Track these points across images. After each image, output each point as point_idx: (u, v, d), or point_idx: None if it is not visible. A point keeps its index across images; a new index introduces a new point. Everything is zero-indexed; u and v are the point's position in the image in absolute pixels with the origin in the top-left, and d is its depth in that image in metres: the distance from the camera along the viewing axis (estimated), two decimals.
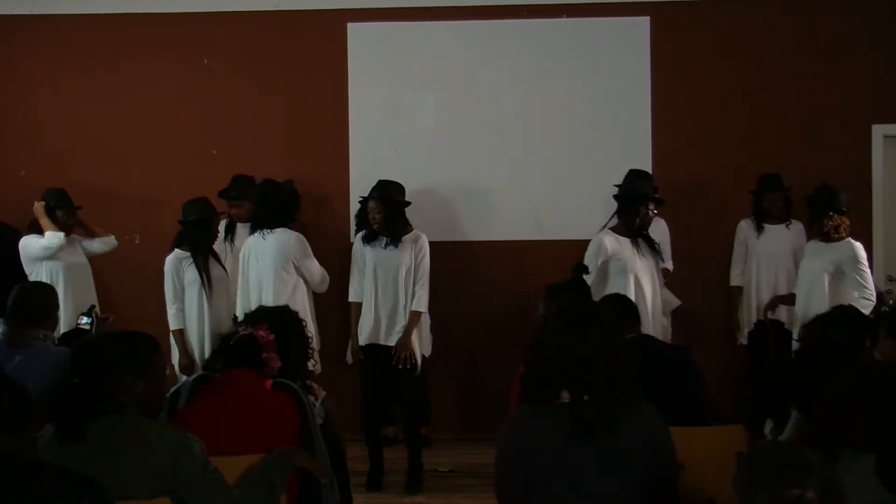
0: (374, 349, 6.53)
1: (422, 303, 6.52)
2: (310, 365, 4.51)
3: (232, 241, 7.24)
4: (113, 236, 7.38)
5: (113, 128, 8.06)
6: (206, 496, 3.29)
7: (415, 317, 6.49)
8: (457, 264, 7.73)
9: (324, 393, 4.54)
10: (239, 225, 7.33)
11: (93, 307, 5.86)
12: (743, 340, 7.37)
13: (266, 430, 3.78)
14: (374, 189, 6.60)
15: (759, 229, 7.25)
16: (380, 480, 6.55)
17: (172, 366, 6.45)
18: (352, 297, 6.68)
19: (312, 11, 8.01)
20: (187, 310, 6.46)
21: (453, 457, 7.11)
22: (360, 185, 7.82)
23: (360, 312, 6.58)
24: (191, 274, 6.43)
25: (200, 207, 6.55)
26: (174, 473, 3.24)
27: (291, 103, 8.04)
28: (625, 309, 4.87)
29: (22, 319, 4.78)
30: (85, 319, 5.46)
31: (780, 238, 7.20)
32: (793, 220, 7.27)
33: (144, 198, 8.04)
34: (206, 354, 6.24)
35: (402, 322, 6.49)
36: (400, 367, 6.42)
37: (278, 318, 4.27)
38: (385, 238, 6.50)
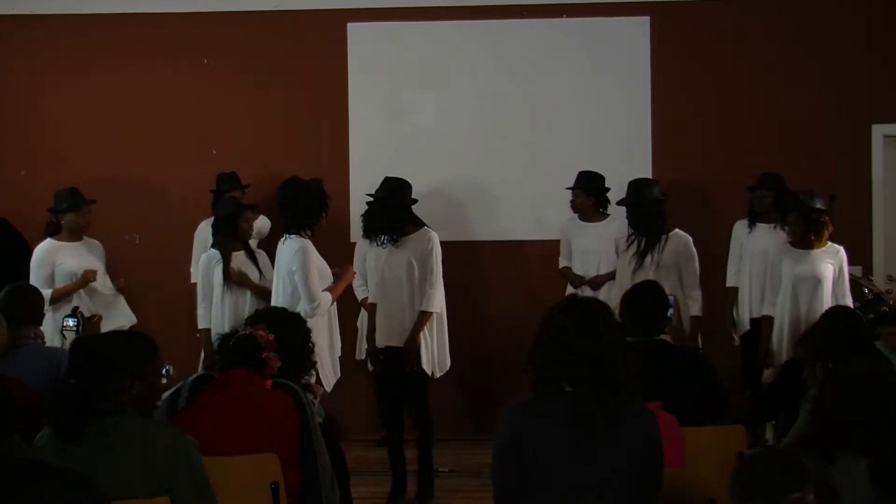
0: (390, 351, 6.33)
1: (431, 302, 6.25)
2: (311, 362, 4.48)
3: None
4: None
5: (113, 128, 8.06)
6: (200, 497, 3.30)
7: (423, 317, 6.24)
8: (456, 264, 7.70)
9: (321, 389, 4.53)
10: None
11: (76, 308, 5.85)
12: (735, 342, 7.34)
13: (266, 430, 3.78)
14: (379, 187, 6.43)
15: (751, 228, 7.22)
16: (404, 493, 6.40)
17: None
18: (360, 296, 6.53)
19: (312, 11, 8.02)
20: (213, 309, 6.38)
21: (453, 457, 7.11)
22: (360, 185, 7.83)
23: (374, 311, 6.37)
24: (217, 274, 6.36)
25: (223, 206, 6.56)
26: (172, 473, 3.24)
27: (291, 103, 8.05)
28: (638, 309, 4.84)
29: (16, 319, 4.80)
30: (71, 322, 5.45)
31: (770, 238, 7.13)
32: None
33: (144, 198, 8.04)
34: None
35: (410, 322, 6.27)
36: (408, 369, 6.25)
37: (278, 319, 4.27)
38: (385, 236, 6.32)
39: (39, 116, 8.10)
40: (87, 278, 6.68)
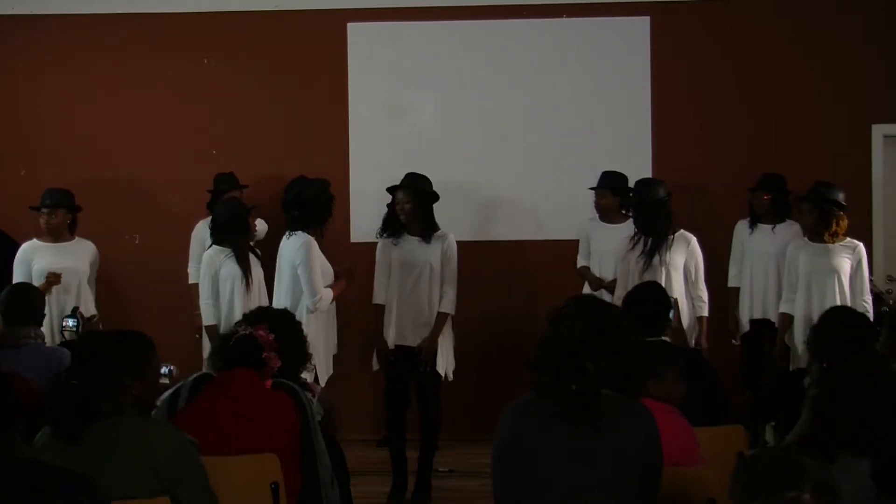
0: (402, 351, 6.32)
1: (450, 305, 6.29)
2: (308, 368, 4.47)
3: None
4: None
5: (113, 128, 8.06)
6: (200, 497, 3.30)
7: (442, 318, 6.27)
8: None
9: (319, 387, 4.53)
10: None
11: (76, 308, 5.84)
12: (735, 341, 7.33)
13: (266, 430, 3.78)
14: (403, 180, 6.38)
15: (752, 229, 7.23)
16: (404, 494, 6.38)
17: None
18: (376, 300, 6.43)
19: (312, 11, 8.02)
20: (224, 306, 6.30)
21: (453, 457, 7.10)
22: (360, 185, 7.85)
23: (385, 315, 6.33)
24: (226, 270, 6.33)
25: (231, 206, 6.51)
26: (172, 473, 3.24)
27: (291, 103, 8.04)
28: (640, 309, 4.83)
29: (16, 319, 4.81)
30: (71, 322, 5.44)
31: (769, 238, 7.14)
32: (788, 221, 7.19)
33: (144, 198, 8.04)
34: None
35: (429, 323, 6.26)
36: (421, 369, 6.25)
37: (276, 318, 4.26)
38: (413, 235, 6.26)
39: (39, 116, 8.10)
40: (49, 281, 6.55)
